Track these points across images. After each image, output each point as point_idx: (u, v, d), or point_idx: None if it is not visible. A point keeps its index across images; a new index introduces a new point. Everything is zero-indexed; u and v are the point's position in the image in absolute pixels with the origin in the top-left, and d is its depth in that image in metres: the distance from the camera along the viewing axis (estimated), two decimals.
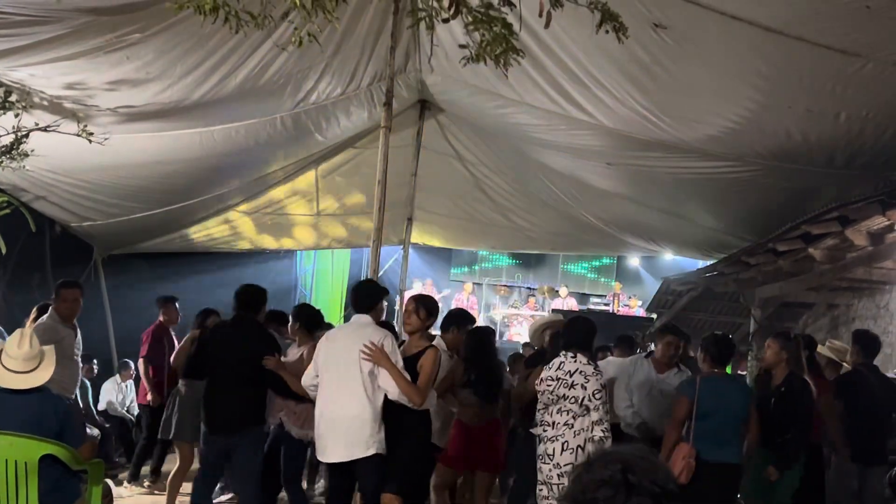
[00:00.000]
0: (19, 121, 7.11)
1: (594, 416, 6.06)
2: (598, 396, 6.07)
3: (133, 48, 6.24)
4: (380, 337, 5.86)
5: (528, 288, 22.29)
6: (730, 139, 7.13)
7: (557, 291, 20.46)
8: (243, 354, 6.75)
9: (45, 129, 7.22)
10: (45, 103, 7.04)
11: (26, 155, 7.45)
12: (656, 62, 6.11)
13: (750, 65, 5.92)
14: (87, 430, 9.42)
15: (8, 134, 7.23)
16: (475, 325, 7.50)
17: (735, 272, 11.01)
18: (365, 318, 6.09)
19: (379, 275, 7.18)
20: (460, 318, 7.26)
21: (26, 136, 7.30)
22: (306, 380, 6.11)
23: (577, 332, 6.44)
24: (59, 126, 7.21)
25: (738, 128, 6.85)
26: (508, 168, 10.92)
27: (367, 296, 6.24)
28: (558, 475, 6.08)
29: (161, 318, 9.70)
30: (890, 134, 6.44)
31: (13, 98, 6.86)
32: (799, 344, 6.81)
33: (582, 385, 6.08)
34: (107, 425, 10.76)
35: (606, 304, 19.90)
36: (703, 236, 11.22)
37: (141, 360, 9.45)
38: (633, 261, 20.83)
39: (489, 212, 12.47)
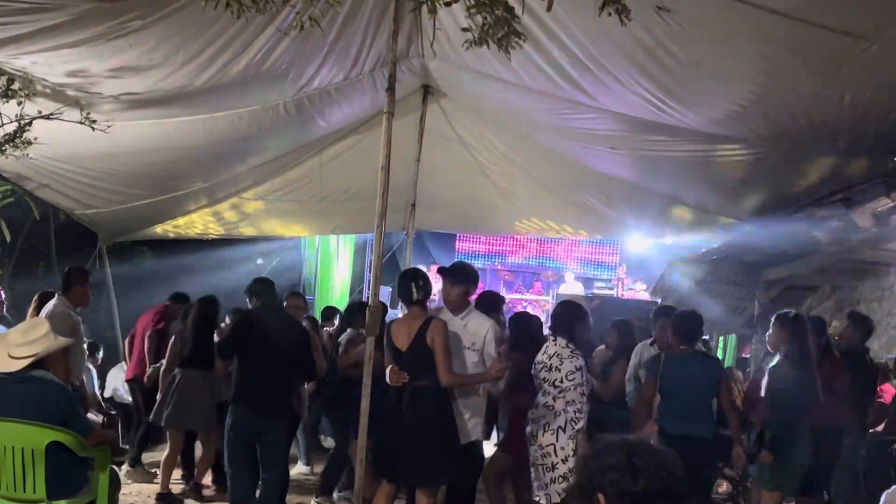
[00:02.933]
0: (22, 109, 7.11)
1: (568, 396, 6.31)
2: (570, 378, 6.33)
3: (135, 35, 6.22)
4: None
5: (533, 273, 22.31)
6: (734, 122, 7.10)
7: (563, 276, 20.49)
8: (282, 341, 7.01)
9: (47, 117, 7.21)
10: (48, 91, 7.03)
11: (29, 143, 7.45)
12: (660, 45, 6.08)
13: (754, 47, 5.89)
14: (92, 417, 9.46)
15: (11, 122, 7.23)
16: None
17: (739, 255, 11.01)
18: None
19: (383, 260, 7.19)
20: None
21: (29, 124, 7.30)
22: None
23: (560, 317, 6.74)
24: (61, 114, 7.21)
25: (742, 111, 6.82)
26: (511, 153, 10.89)
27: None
28: (542, 455, 6.36)
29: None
30: (895, 116, 6.41)
31: (16, 86, 6.85)
32: (800, 323, 6.80)
33: (557, 367, 6.37)
34: (112, 412, 10.80)
35: (611, 288, 19.93)
36: (708, 220, 11.20)
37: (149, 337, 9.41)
38: (638, 244, 20.82)
39: (493, 196, 12.44)
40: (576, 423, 6.26)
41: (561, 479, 6.24)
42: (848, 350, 7.50)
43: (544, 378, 6.38)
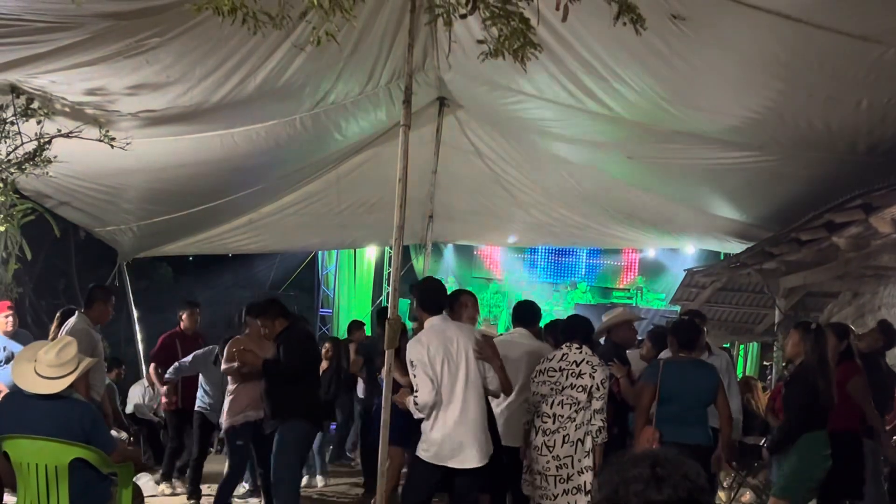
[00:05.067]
0: (41, 128, 7.16)
1: (597, 404, 6.29)
2: (605, 385, 6.33)
3: (153, 52, 6.27)
4: (476, 334, 6.08)
5: (551, 283, 22.27)
6: (751, 129, 7.10)
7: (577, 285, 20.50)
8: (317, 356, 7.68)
9: (67, 136, 7.27)
10: (67, 109, 7.09)
11: (49, 161, 7.49)
12: (675, 53, 6.09)
13: (770, 53, 5.88)
14: (114, 434, 9.50)
15: (31, 141, 7.29)
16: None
17: (758, 262, 10.94)
18: (444, 318, 6.17)
19: (401, 273, 7.19)
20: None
21: (49, 142, 7.35)
22: (430, 398, 5.80)
23: (579, 326, 6.70)
24: (80, 132, 7.26)
25: (759, 117, 6.81)
26: (528, 163, 10.90)
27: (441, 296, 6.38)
28: (556, 467, 6.29)
29: (182, 325, 9.80)
30: None
31: (35, 105, 6.91)
32: (821, 333, 6.74)
33: (590, 374, 6.32)
34: (134, 428, 10.84)
35: (629, 298, 19.88)
36: (725, 227, 11.16)
37: (152, 365, 9.56)
38: (654, 253, 20.81)
39: (510, 207, 12.44)
40: (601, 433, 6.24)
41: (575, 491, 6.21)
42: (863, 354, 7.44)
43: (570, 385, 6.31)
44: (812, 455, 6.37)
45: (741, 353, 15.81)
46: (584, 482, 6.20)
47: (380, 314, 10.18)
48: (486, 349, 5.89)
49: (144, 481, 8.42)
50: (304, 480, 9.76)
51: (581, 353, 6.40)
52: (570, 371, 6.33)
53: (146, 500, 6.61)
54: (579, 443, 6.25)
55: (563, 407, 6.31)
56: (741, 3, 5.27)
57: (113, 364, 10.98)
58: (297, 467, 7.12)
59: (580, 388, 6.26)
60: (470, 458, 5.84)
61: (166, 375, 9.03)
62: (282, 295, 15.97)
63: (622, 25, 4.58)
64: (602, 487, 2.27)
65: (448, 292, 6.52)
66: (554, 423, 6.32)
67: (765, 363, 14.67)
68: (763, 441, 8.64)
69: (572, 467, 6.24)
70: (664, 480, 2.16)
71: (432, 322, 6.06)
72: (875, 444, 7.26)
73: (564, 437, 6.27)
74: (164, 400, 9.49)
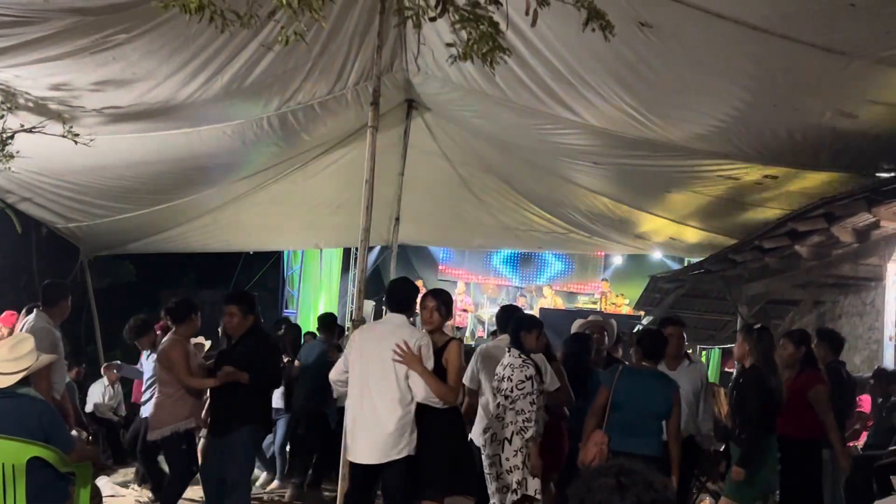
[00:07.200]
0: (4, 122, 7.08)
1: (517, 405, 6.35)
2: (520, 387, 6.37)
3: (119, 48, 6.22)
4: (415, 339, 5.86)
5: (517, 287, 22.32)
6: (716, 137, 7.15)
7: (542, 290, 20.52)
8: None
9: (30, 131, 7.18)
10: (31, 104, 7.01)
11: (11, 156, 7.40)
12: (642, 61, 6.12)
13: (736, 63, 5.93)
14: (74, 433, 9.38)
15: None
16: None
17: (722, 269, 11.04)
18: (399, 318, 6.05)
19: (367, 274, 7.17)
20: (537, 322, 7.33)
21: (11, 137, 7.26)
22: (335, 374, 6.06)
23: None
24: (44, 127, 7.18)
25: (725, 126, 6.87)
26: (495, 167, 10.92)
27: (405, 294, 6.25)
28: (489, 465, 6.43)
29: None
30: (875, 132, 6.47)
31: None
32: (769, 337, 6.76)
33: (509, 377, 6.40)
34: (94, 427, 10.72)
35: (595, 303, 19.95)
36: (690, 234, 11.25)
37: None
38: (619, 259, 20.90)
39: (476, 210, 12.47)
40: (525, 433, 6.31)
41: (505, 490, 6.30)
42: (825, 367, 7.49)
43: (498, 388, 6.42)
44: (759, 456, 6.40)
45: (702, 358, 15.93)
46: (512, 481, 6.29)
47: (321, 320, 10.13)
48: (406, 355, 5.76)
49: (102, 483, 8.32)
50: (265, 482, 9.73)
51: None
52: (500, 375, 6.48)
53: (104, 500, 6.55)
54: (506, 441, 6.35)
55: (496, 407, 6.45)
56: (708, 13, 5.31)
57: (73, 363, 10.85)
58: (251, 470, 7.17)
59: (502, 391, 6.41)
60: (361, 453, 5.83)
61: None
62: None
63: (591, 32, 4.60)
64: (569, 499, 2.29)
65: (415, 294, 6.44)
66: (489, 421, 6.48)
67: (726, 369, 14.78)
68: (723, 447, 8.70)
69: (500, 465, 6.36)
70: (628, 489, 2.18)
71: (385, 317, 6.21)
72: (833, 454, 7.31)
73: (492, 435, 6.41)
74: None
